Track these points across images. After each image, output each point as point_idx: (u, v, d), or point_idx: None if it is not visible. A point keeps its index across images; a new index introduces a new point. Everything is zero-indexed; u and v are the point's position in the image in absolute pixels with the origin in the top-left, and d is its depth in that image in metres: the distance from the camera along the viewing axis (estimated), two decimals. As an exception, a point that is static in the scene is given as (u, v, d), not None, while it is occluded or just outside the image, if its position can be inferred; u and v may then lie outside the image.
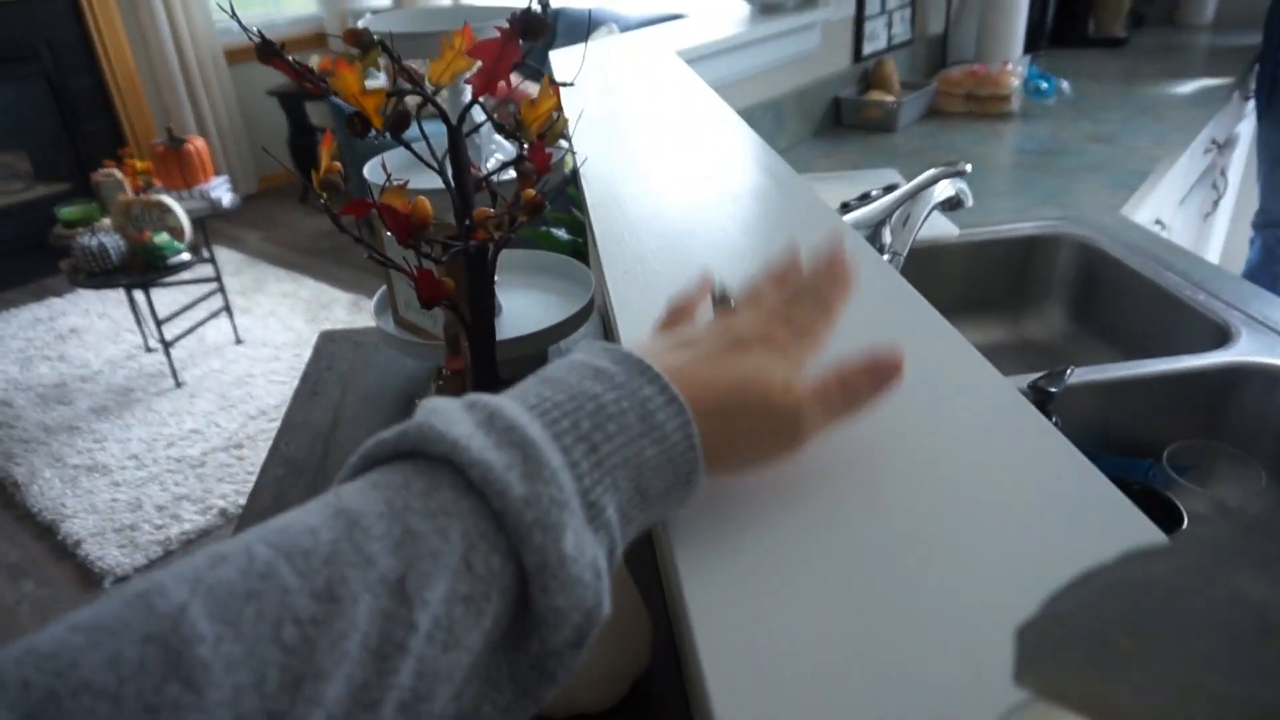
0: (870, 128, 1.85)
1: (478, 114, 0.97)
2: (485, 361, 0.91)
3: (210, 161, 3.06)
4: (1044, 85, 1.93)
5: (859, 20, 1.90)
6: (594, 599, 0.31)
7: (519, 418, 0.32)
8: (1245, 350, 0.95)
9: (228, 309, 3.19)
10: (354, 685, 0.26)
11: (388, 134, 0.78)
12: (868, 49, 1.96)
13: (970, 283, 1.30)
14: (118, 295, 3.39)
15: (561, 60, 1.38)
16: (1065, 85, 1.97)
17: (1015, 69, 1.91)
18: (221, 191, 3.02)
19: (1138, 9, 2.70)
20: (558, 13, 3.91)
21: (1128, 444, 0.98)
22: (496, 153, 1.13)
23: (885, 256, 0.84)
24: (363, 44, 0.72)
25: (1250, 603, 0.19)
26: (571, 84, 0.80)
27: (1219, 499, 0.88)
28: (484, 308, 0.87)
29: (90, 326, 3.36)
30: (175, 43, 4.22)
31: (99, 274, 2.65)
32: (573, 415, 0.33)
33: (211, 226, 3.37)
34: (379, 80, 3.02)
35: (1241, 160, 2.58)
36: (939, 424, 0.44)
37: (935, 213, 1.31)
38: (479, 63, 0.72)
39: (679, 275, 0.64)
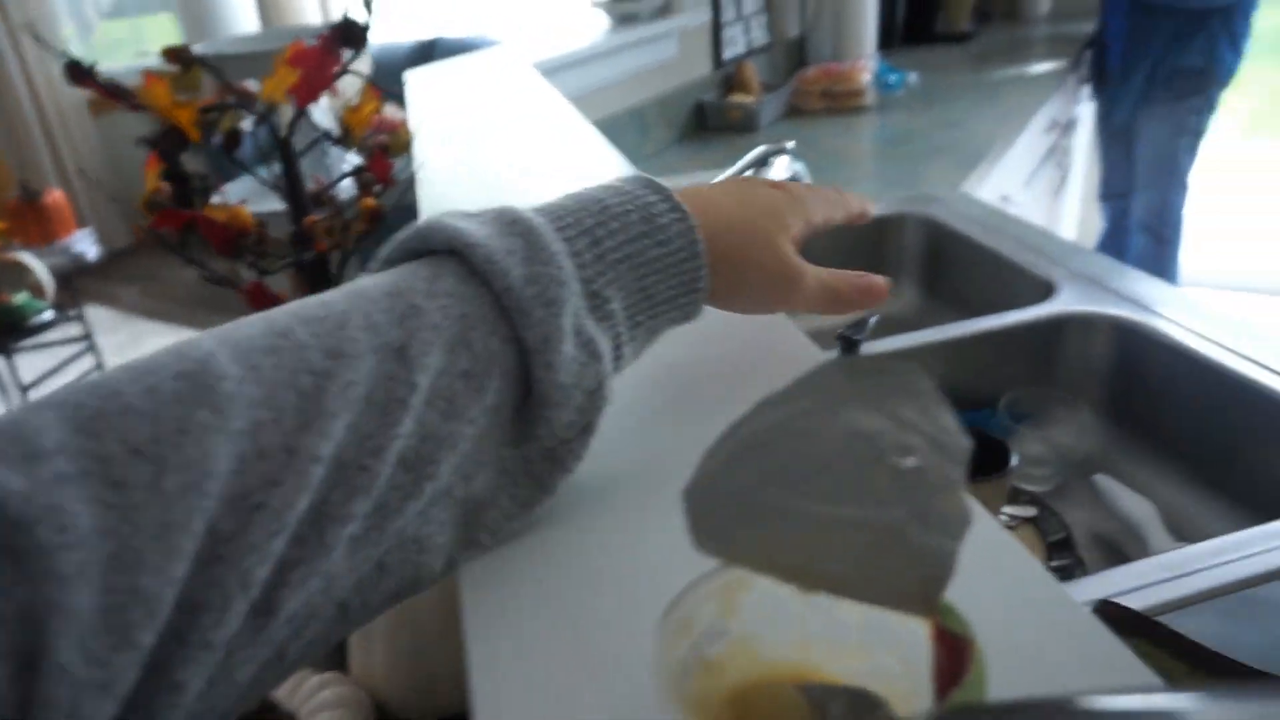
0: (734, 129, 1.92)
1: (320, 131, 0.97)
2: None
3: (71, 215, 2.93)
4: (892, 78, 2.03)
5: (716, 27, 1.97)
6: (595, 379, 0.33)
7: (523, 213, 0.34)
8: (1066, 301, 1.02)
9: (100, 368, 3.05)
10: (359, 431, 0.29)
11: (221, 149, 0.77)
12: (727, 54, 2.03)
13: (828, 265, 1.36)
14: (-16, 363, 3.20)
15: (418, 79, 1.38)
16: (913, 77, 2.08)
17: (866, 65, 2.00)
18: (85, 245, 2.90)
19: (983, 5, 2.87)
20: (435, 41, 3.90)
21: (973, 398, 1.04)
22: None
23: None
24: (183, 61, 0.71)
25: (864, 434, 0.21)
26: (397, 93, 0.81)
27: (1052, 439, 0.94)
28: (334, 320, 0.86)
29: (-42, 398, 3.16)
30: (32, 95, 4.03)
31: (-44, 339, 2.50)
32: (576, 213, 0.35)
33: (82, 284, 3.22)
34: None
35: (1086, 140, 2.76)
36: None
37: (789, 201, 1.37)
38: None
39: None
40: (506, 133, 1.03)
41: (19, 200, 2.84)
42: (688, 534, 0.23)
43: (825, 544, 0.22)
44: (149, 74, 0.62)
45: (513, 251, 0.32)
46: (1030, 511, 0.91)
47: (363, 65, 2.96)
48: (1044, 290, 1.06)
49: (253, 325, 0.30)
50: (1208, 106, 2.23)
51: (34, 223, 2.83)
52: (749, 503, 0.22)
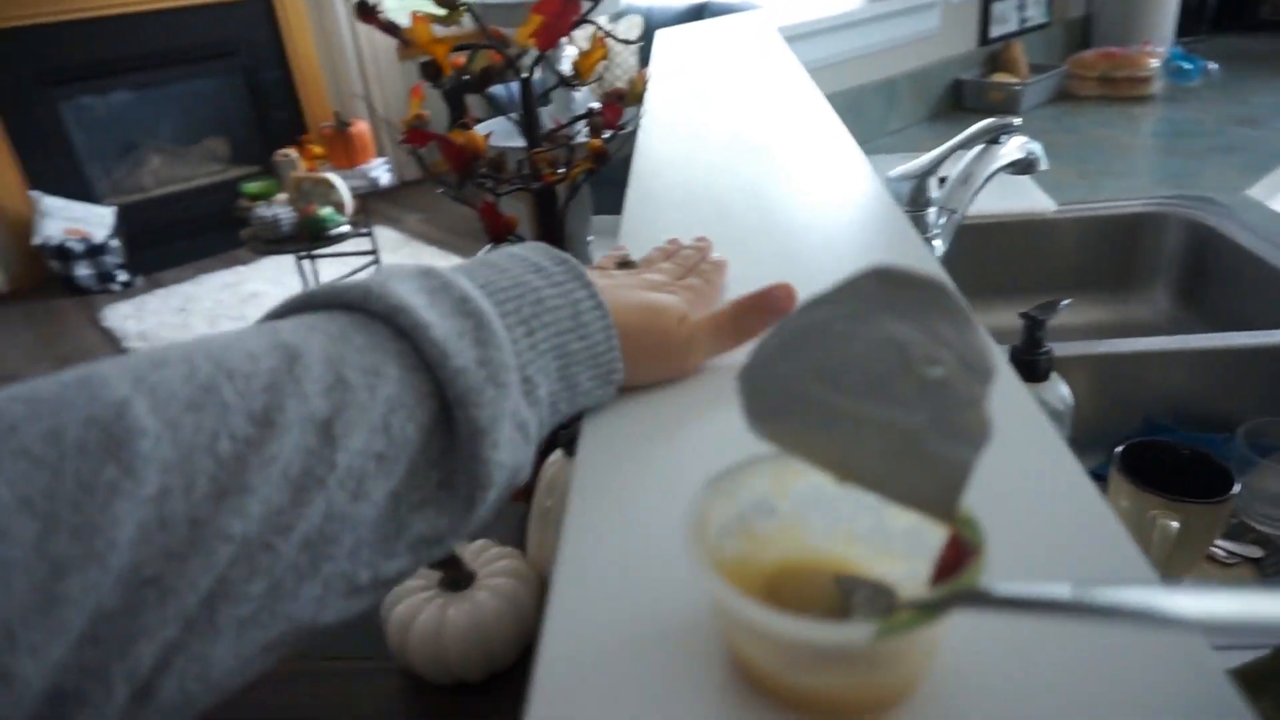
0: (992, 110, 1.81)
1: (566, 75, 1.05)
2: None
3: (372, 144, 3.34)
4: (1187, 67, 1.82)
5: (985, 2, 1.86)
6: (525, 459, 0.35)
7: (470, 291, 0.34)
8: (1343, 327, 0.89)
9: (382, 281, 3.46)
10: (271, 508, 0.27)
11: (469, 84, 0.87)
12: (995, 31, 1.91)
13: (1069, 261, 1.27)
14: (291, 265, 3.75)
15: (666, 37, 1.44)
16: (1213, 68, 1.84)
17: (1156, 50, 1.80)
18: (380, 171, 3.29)
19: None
20: (705, 4, 3.99)
21: (1209, 419, 0.94)
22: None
23: (932, 210, 0.86)
24: (448, 4, 0.81)
25: (895, 342, 0.23)
26: (633, 41, 0.87)
27: (1294, 477, 0.84)
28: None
29: (268, 292, 3.73)
30: (353, 40, 4.60)
31: (272, 241, 2.96)
32: (515, 300, 0.37)
33: (373, 206, 3.67)
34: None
35: None
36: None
37: (1031, 186, 1.29)
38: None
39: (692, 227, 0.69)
40: (736, 96, 1.06)
41: (332, 129, 3.27)
42: (741, 414, 0.26)
43: (855, 440, 0.24)
44: (417, 14, 0.72)
45: (463, 334, 0.33)
46: (1255, 552, 0.82)
47: (633, 25, 3.10)
48: (1317, 313, 0.94)
49: (172, 368, 0.28)
50: None
51: (342, 149, 3.26)
52: (793, 391, 0.25)
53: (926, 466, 0.23)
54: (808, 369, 0.24)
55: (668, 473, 0.38)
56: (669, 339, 0.43)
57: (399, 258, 3.98)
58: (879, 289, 0.23)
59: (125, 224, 3.91)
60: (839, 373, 0.24)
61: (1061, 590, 0.20)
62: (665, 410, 0.43)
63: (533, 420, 0.35)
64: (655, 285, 0.47)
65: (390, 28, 0.77)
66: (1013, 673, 0.26)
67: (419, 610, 0.63)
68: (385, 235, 4.20)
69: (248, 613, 0.27)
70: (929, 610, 0.22)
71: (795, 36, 1.42)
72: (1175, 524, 0.74)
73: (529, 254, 0.40)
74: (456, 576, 0.65)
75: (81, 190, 3.91)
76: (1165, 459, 0.80)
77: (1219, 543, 0.81)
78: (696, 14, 3.47)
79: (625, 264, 0.53)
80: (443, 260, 3.96)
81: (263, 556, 0.27)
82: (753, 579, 0.28)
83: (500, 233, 0.88)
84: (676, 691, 0.27)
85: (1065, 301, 0.72)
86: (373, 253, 3.38)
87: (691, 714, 0.26)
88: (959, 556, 0.24)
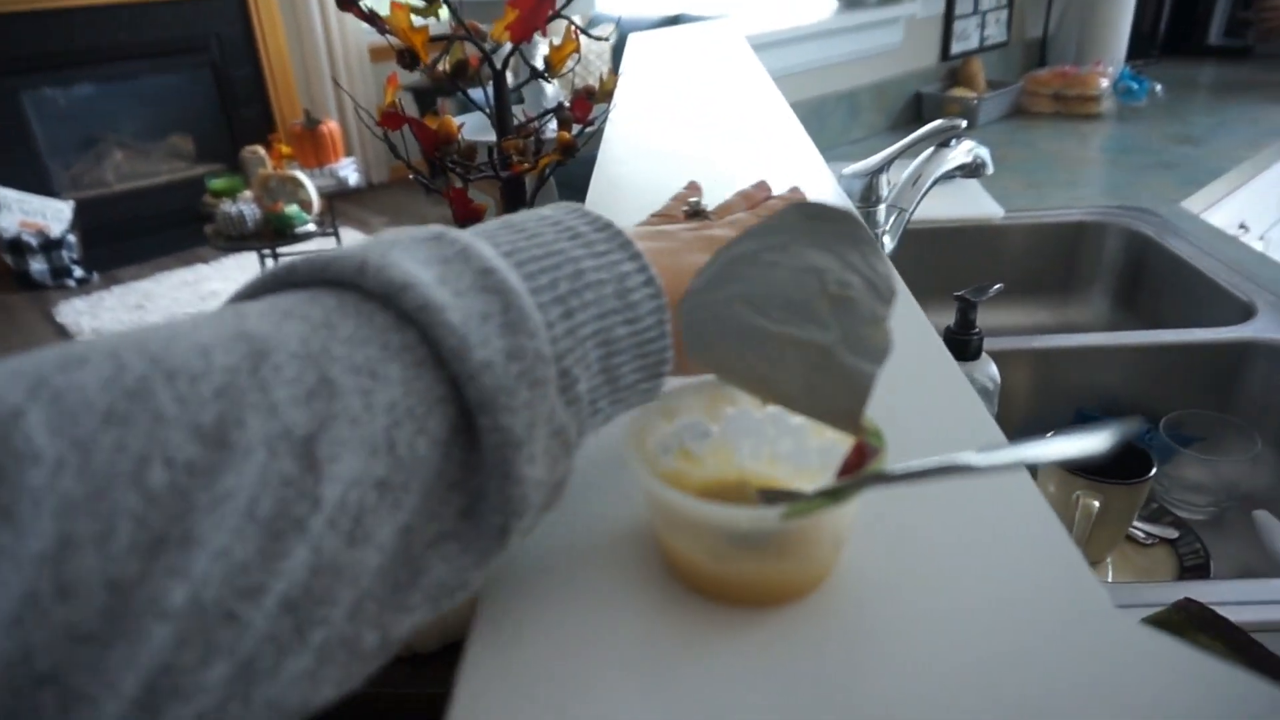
0: (949, 123, 1.88)
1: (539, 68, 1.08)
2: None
3: (341, 143, 3.34)
4: (1134, 86, 1.90)
5: (948, 19, 1.93)
6: (564, 473, 0.28)
7: (496, 263, 0.27)
8: (1262, 327, 0.95)
9: (348, 281, 3.47)
10: (231, 564, 0.20)
11: (447, 76, 0.89)
12: (956, 48, 1.98)
13: (1016, 265, 1.32)
14: (253, 265, 3.73)
15: (639, 42, 1.48)
16: (1158, 88, 1.93)
17: (1106, 70, 1.89)
18: (349, 171, 3.29)
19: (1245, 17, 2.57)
20: (679, 16, 4.06)
21: (1135, 412, 1.00)
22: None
23: (882, 207, 0.90)
24: (426, -4, 0.84)
25: (814, 269, 0.27)
26: (604, 39, 0.90)
27: (1216, 468, 0.89)
28: (520, 237, 0.98)
29: (227, 291, 3.68)
30: (326, 39, 4.59)
31: (235, 238, 2.95)
32: (550, 272, 0.28)
33: (340, 208, 3.66)
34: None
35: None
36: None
37: (981, 194, 1.34)
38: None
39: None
40: (702, 98, 1.10)
41: (302, 127, 3.27)
42: (683, 339, 0.29)
43: (777, 360, 0.28)
44: (396, 3, 0.75)
45: (488, 317, 0.25)
46: (1171, 533, 0.87)
47: (606, 33, 3.17)
48: (1242, 313, 1.00)
49: (90, 367, 0.20)
50: None
51: (311, 147, 3.26)
52: (724, 317, 0.28)
53: (837, 379, 0.26)
54: (737, 295, 0.28)
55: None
56: None
57: (366, 258, 3.98)
58: (801, 222, 0.27)
59: (84, 219, 3.86)
60: (765, 298, 0.27)
61: (930, 460, 0.24)
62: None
63: (572, 425, 0.28)
64: (718, 243, 0.36)
65: (370, 17, 0.79)
66: (908, 572, 0.29)
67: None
68: (351, 237, 4.19)
69: (205, 709, 0.20)
70: (830, 495, 0.25)
71: (763, 45, 1.47)
72: (1096, 503, 0.79)
73: (561, 216, 0.31)
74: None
75: (39, 183, 3.85)
76: (1094, 446, 0.85)
77: (1141, 525, 0.86)
78: (671, 24, 3.54)
79: (697, 212, 0.45)
80: (410, 262, 3.96)
81: (222, 631, 0.20)
82: (687, 492, 0.31)
83: (468, 219, 0.91)
84: (613, 588, 0.30)
85: (997, 285, 0.77)
86: (339, 252, 3.39)
87: (627, 606, 0.29)
88: (862, 459, 0.27)
